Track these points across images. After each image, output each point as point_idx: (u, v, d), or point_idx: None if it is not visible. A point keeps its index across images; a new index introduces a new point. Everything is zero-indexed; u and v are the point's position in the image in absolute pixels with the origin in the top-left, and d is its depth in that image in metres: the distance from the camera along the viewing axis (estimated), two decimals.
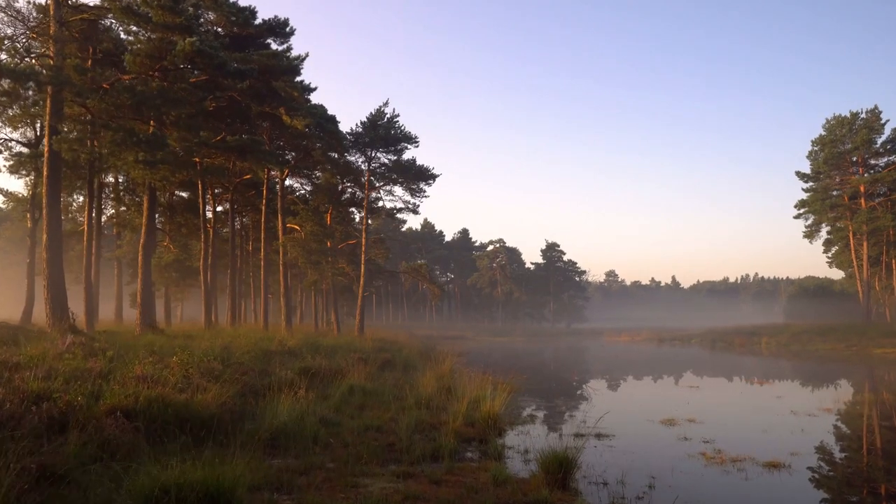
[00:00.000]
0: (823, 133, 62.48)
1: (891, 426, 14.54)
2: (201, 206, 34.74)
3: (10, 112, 29.92)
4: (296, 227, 42.19)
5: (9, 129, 32.63)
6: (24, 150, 33.12)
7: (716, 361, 39.73)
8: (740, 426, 14.59)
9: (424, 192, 42.87)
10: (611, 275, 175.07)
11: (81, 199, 39.31)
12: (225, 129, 30.83)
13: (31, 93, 26.60)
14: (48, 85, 22.35)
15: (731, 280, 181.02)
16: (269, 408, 10.42)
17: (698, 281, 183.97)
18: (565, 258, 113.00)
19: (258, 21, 32.05)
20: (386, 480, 7.94)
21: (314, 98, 43.08)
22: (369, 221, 44.66)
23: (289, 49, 33.18)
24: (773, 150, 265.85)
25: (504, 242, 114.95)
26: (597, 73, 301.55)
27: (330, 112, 34.94)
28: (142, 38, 25.48)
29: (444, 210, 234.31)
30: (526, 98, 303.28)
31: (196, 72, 25.63)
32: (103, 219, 38.90)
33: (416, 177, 41.65)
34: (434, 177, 41.81)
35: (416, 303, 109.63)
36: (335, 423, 11.16)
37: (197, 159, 29.14)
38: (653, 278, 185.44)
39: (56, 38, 23.27)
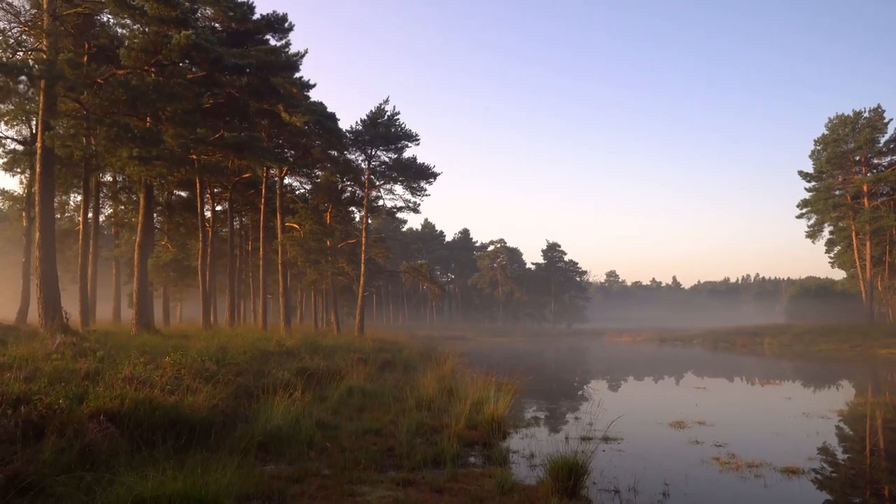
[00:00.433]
0: (826, 132, 61.98)
1: None
2: (200, 206, 34.32)
3: (4, 108, 29.49)
4: (295, 225, 41.72)
5: (4, 126, 32.25)
6: (19, 147, 32.71)
7: (719, 362, 39.25)
8: (752, 429, 14.10)
9: (425, 190, 42.43)
10: (611, 275, 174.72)
11: (79, 197, 38.86)
12: (223, 126, 30.33)
13: (23, 87, 26.15)
14: (41, 79, 21.92)
15: (732, 280, 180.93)
16: (262, 410, 9.97)
17: (699, 281, 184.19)
18: (566, 258, 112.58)
19: (256, 16, 31.54)
20: (385, 488, 7.49)
21: (313, 96, 42.64)
22: (369, 220, 44.21)
23: (287, 45, 32.70)
24: (774, 150, 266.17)
25: (505, 242, 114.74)
26: (597, 73, 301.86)
27: (329, 111, 34.55)
28: (137, 31, 25.00)
29: (444, 210, 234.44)
30: (526, 98, 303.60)
31: (193, 68, 25.18)
32: (101, 218, 38.44)
33: (417, 175, 41.18)
34: (435, 175, 41.35)
35: (417, 303, 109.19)
36: (332, 427, 10.75)
37: (194, 156, 28.69)
38: (653, 278, 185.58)
39: (49, 32, 22.83)
